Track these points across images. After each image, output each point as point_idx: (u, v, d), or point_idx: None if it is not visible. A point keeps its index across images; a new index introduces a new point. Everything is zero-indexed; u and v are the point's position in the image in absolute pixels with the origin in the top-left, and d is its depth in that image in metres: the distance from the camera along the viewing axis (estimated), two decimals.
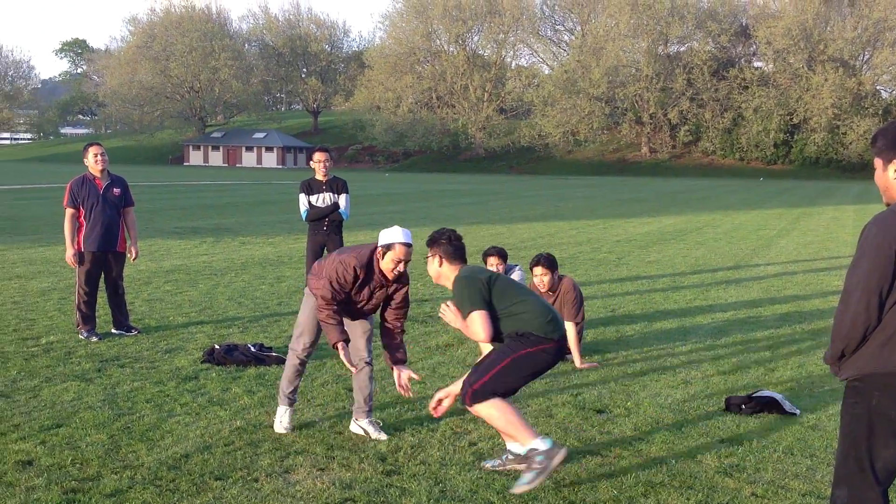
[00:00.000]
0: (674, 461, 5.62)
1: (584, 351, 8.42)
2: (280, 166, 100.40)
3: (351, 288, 5.77)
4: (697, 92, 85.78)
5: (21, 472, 5.15)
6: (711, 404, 6.92)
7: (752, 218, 28.64)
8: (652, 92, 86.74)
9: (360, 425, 6.03)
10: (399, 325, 5.93)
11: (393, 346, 5.91)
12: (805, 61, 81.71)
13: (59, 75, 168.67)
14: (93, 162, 8.99)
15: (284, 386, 6.12)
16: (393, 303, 5.90)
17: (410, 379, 5.84)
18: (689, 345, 9.14)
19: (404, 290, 5.89)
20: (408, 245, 5.64)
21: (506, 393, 5.17)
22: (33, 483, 4.99)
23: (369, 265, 5.74)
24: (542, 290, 8.33)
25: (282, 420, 6.06)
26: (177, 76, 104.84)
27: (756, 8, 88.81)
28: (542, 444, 4.96)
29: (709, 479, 5.34)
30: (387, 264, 5.67)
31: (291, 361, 6.12)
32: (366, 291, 5.83)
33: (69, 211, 8.93)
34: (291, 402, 6.12)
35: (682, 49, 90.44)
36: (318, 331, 6.04)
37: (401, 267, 5.68)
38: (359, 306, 5.92)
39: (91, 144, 9.11)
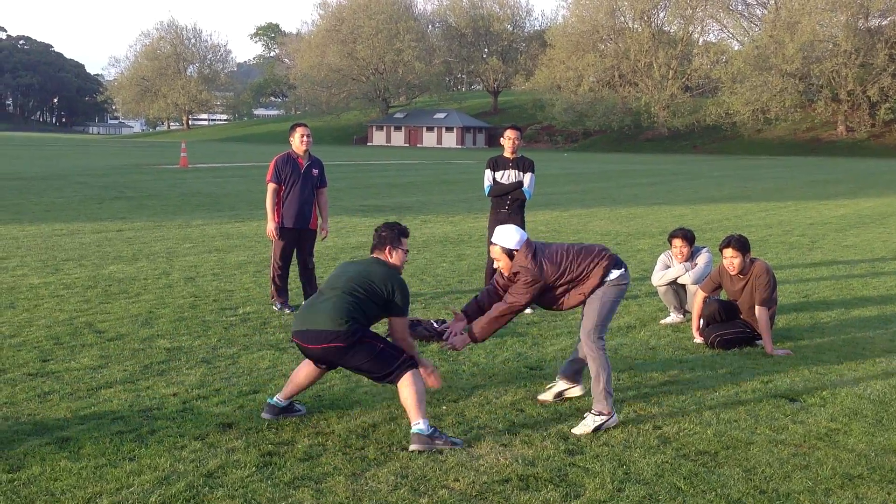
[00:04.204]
0: (873, 454, 5.32)
1: (776, 337, 8.09)
2: (459, 146, 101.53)
3: None
4: None
5: (222, 434, 5.45)
6: None
7: None
8: (850, 68, 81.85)
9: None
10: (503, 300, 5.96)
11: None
12: None
13: (254, 59, 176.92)
14: (298, 142, 9.25)
15: None
16: None
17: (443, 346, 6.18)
18: (891, 333, 8.61)
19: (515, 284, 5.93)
20: (491, 244, 6.03)
21: None
22: (233, 445, 5.27)
23: None
24: (732, 273, 8.06)
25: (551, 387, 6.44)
26: (363, 58, 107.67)
27: None
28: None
29: None
30: None
31: None
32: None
33: (272, 186, 9.21)
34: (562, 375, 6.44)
35: (884, 23, 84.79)
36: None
37: (496, 264, 6.02)
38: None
39: (298, 125, 9.34)
